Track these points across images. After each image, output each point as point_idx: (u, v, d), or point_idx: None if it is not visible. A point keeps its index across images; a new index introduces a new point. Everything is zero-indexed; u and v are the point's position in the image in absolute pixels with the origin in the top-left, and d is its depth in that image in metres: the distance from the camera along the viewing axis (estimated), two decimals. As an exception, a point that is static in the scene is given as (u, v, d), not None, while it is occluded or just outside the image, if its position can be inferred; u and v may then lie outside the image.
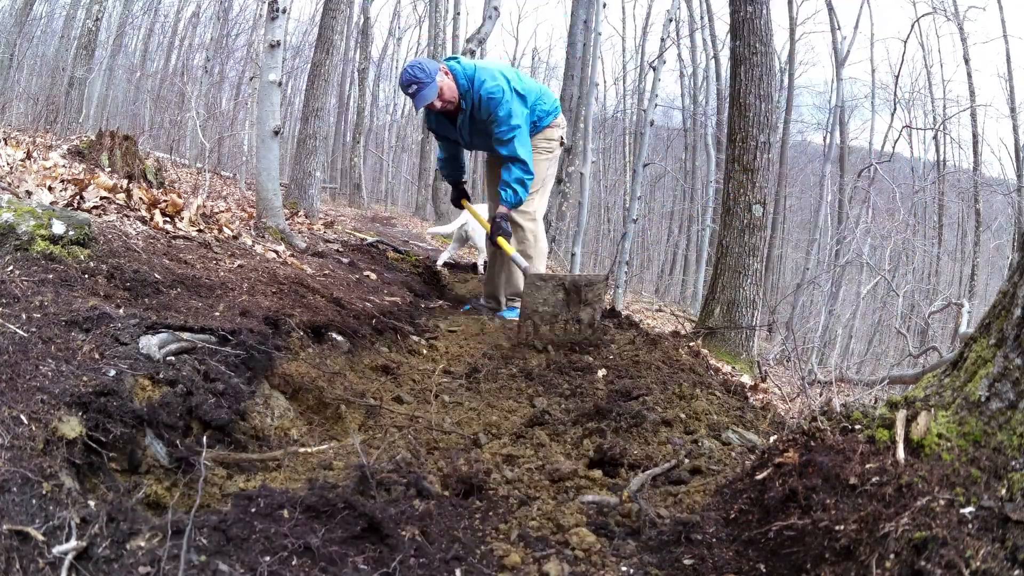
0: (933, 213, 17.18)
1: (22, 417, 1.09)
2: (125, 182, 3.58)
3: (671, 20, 5.62)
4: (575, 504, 1.36)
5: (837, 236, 13.23)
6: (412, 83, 3.07)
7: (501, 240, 3.25)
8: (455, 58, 3.39)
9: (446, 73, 3.20)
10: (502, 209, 3.28)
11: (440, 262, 5.44)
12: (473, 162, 20.73)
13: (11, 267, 1.68)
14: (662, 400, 2.04)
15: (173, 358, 1.54)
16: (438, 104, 3.17)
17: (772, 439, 1.35)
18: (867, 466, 1.03)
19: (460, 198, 3.88)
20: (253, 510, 1.09)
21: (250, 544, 1.01)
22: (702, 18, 16.95)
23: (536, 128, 3.46)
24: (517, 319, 3.05)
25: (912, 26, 14.62)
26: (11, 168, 3.00)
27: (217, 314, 1.94)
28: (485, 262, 4.58)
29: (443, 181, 10.38)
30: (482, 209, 4.08)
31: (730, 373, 4.04)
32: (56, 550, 0.88)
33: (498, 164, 3.48)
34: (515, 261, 3.26)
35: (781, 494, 1.10)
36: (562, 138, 3.65)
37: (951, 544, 0.84)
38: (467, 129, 3.36)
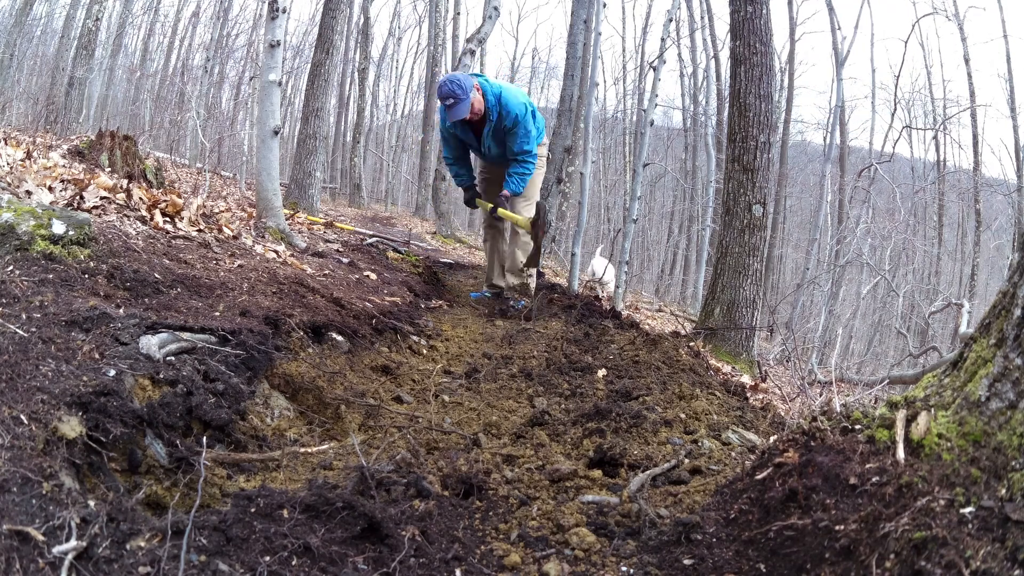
0: (933, 213, 17.18)
1: (22, 417, 1.09)
2: (125, 182, 3.58)
3: (671, 20, 5.61)
4: (575, 504, 1.36)
5: (837, 236, 13.22)
6: (450, 96, 3.50)
7: (503, 211, 3.90)
8: (481, 75, 3.85)
9: (478, 89, 3.64)
10: (505, 192, 3.93)
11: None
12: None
13: (11, 267, 1.68)
14: (662, 400, 2.04)
15: (173, 358, 1.54)
16: (468, 117, 3.61)
17: (772, 439, 1.35)
18: (867, 466, 1.03)
19: (475, 198, 4.25)
20: (253, 510, 1.09)
21: (250, 544, 1.01)
22: (702, 18, 16.93)
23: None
24: (520, 309, 3.99)
25: (912, 26, 14.62)
26: (11, 168, 3.00)
27: (217, 314, 1.94)
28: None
29: (443, 181, 10.45)
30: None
31: (730, 373, 4.04)
32: (56, 550, 0.88)
33: (496, 179, 4.19)
34: (519, 224, 3.97)
35: (781, 494, 1.10)
36: (549, 154, 4.43)
37: (951, 544, 0.84)
38: (489, 138, 3.87)
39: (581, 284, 6.69)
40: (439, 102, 3.70)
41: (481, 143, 3.94)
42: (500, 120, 3.73)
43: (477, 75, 3.80)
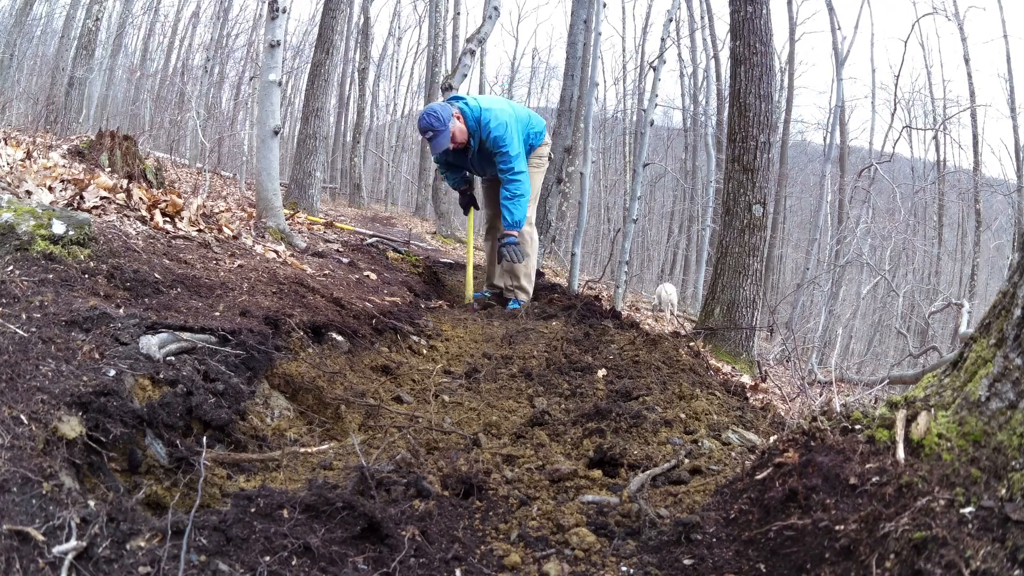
0: (933, 213, 17.20)
1: (22, 417, 1.09)
2: (125, 182, 3.58)
3: (671, 20, 5.62)
4: (575, 504, 1.36)
5: (837, 236, 13.23)
6: (428, 130, 3.55)
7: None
8: (462, 98, 3.82)
9: (458, 118, 3.66)
10: (503, 230, 3.82)
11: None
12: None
13: (11, 267, 1.68)
14: (662, 400, 2.04)
15: (173, 358, 1.54)
16: (451, 147, 3.67)
17: (772, 439, 1.35)
18: (867, 466, 1.03)
19: (469, 204, 4.29)
20: (253, 510, 1.09)
21: (250, 544, 1.01)
22: (702, 18, 16.94)
23: (530, 149, 4.02)
24: (519, 308, 3.88)
25: (912, 26, 14.62)
26: (11, 168, 3.00)
27: (217, 314, 1.94)
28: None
29: (443, 181, 10.47)
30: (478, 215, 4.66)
31: (730, 373, 4.04)
32: (56, 550, 0.88)
33: (494, 188, 4.12)
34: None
35: (781, 494, 1.10)
36: (550, 154, 4.37)
37: (951, 544, 0.84)
38: (476, 160, 3.90)
39: (582, 285, 6.69)
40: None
41: (470, 164, 3.97)
42: (482, 143, 3.76)
43: (458, 98, 3.84)
